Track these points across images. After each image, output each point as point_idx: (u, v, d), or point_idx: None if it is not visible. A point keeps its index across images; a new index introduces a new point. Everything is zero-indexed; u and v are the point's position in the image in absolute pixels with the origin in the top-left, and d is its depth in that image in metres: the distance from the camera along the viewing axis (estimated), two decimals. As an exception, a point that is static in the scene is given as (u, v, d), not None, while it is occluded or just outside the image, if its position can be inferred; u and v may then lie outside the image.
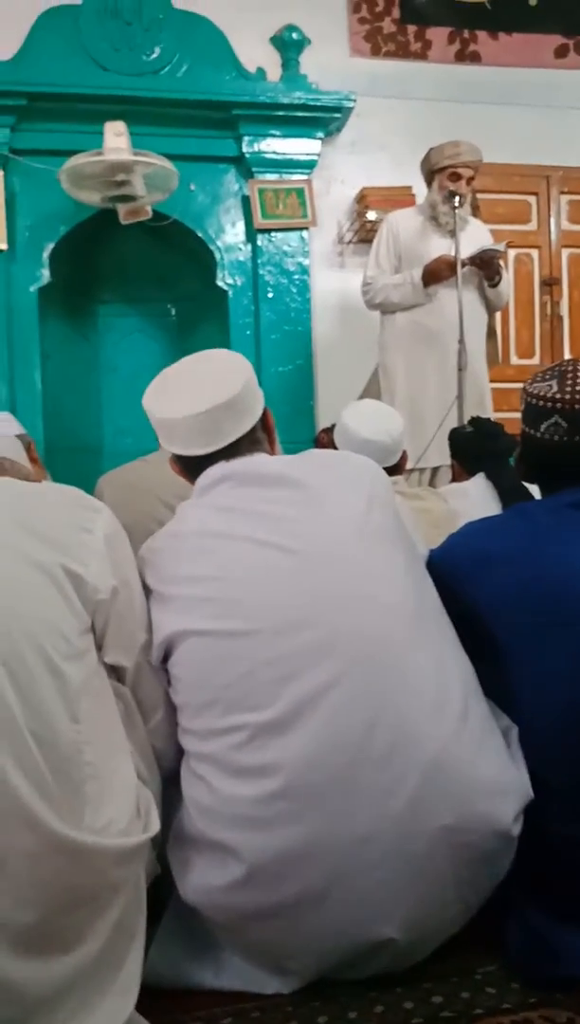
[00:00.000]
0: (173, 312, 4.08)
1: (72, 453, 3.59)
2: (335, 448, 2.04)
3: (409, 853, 1.07)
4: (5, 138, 3.30)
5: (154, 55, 3.43)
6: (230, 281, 3.58)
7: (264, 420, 1.35)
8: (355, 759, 1.07)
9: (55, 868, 1.00)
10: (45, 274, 3.41)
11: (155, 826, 1.11)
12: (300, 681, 1.09)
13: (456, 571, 1.29)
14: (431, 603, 1.23)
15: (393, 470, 1.94)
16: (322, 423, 3.56)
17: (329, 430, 3.38)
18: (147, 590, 1.25)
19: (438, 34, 3.78)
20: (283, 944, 1.12)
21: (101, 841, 1.03)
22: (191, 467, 1.34)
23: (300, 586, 1.15)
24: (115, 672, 1.21)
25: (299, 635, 1.11)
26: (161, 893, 1.19)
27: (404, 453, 2.06)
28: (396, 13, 3.73)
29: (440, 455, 2.81)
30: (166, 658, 1.21)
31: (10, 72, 3.30)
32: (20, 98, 3.26)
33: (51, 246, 3.41)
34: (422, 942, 1.13)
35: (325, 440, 3.44)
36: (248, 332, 3.59)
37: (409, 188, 3.47)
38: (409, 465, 2.36)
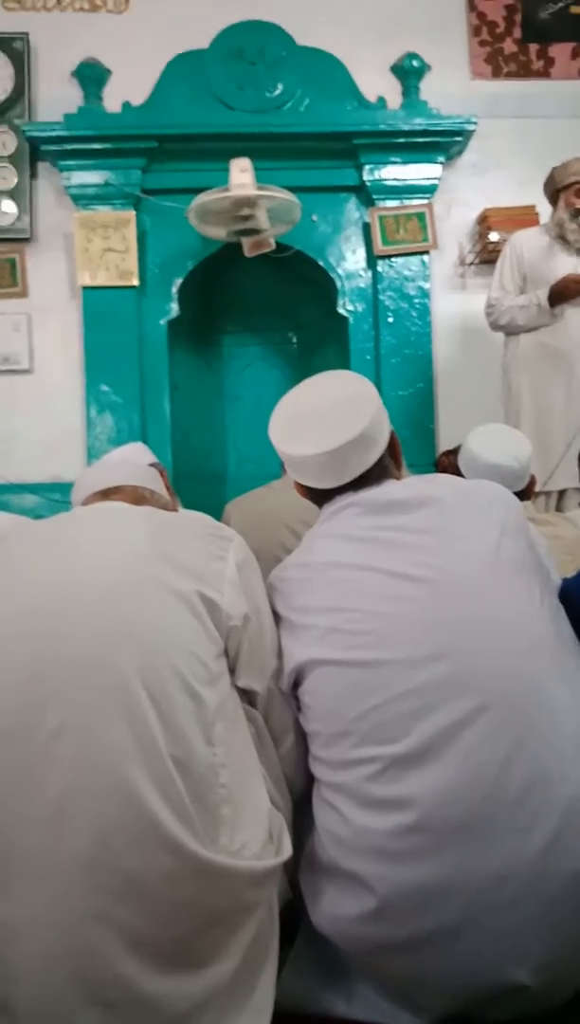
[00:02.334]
0: (294, 340, 4.16)
1: (198, 480, 3.71)
2: (457, 471, 2.02)
3: (545, 895, 1.03)
4: (137, 179, 3.47)
5: (277, 92, 3.53)
6: (351, 308, 3.62)
7: (390, 444, 1.35)
8: (491, 796, 1.05)
9: (192, 889, 1.02)
10: (174, 308, 3.54)
11: (287, 851, 1.12)
12: (435, 715, 1.08)
13: (592, 602, 1.25)
14: (568, 636, 1.20)
15: (521, 495, 1.90)
16: (443, 446, 3.53)
17: (450, 453, 3.35)
18: (277, 617, 1.27)
19: (561, 51, 3.71)
20: (414, 980, 1.11)
21: (236, 863, 1.04)
22: (319, 496, 1.35)
23: (432, 618, 1.14)
24: (246, 696, 1.24)
25: (433, 668, 1.10)
26: (293, 918, 1.20)
27: (532, 477, 2.01)
28: (518, 33, 3.70)
29: (568, 478, 2.74)
30: (296, 685, 1.23)
31: (141, 117, 3.47)
32: (151, 141, 3.42)
33: (179, 281, 3.54)
34: (557, 987, 1.09)
35: (446, 463, 3.41)
36: (368, 357, 3.61)
37: (532, 207, 3.41)
38: (536, 488, 2.31)
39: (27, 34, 3.49)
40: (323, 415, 1.30)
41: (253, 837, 1.09)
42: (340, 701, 1.15)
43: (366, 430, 1.27)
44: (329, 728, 1.16)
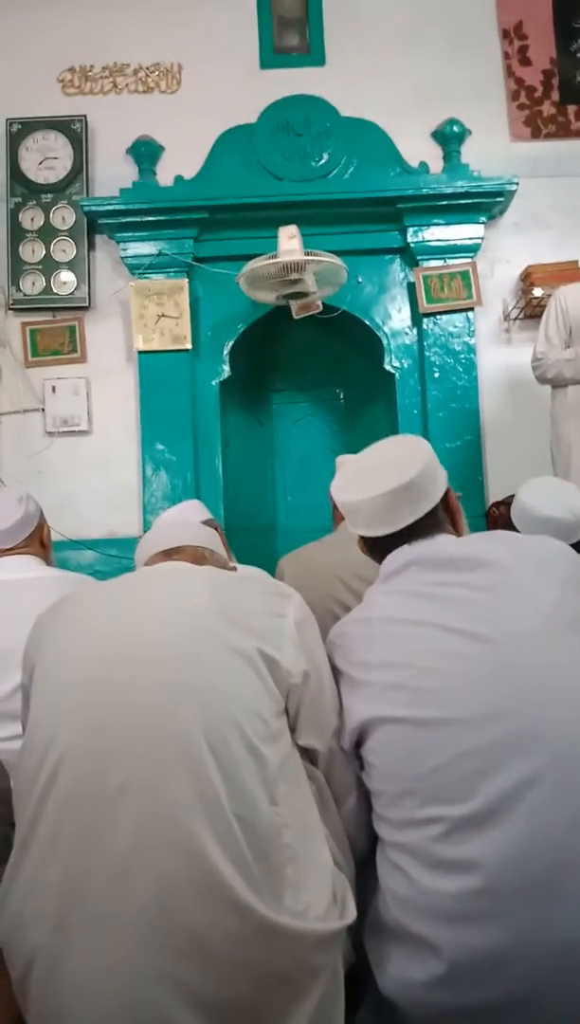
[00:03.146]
0: (341, 396, 4.23)
1: (249, 533, 3.75)
2: (508, 522, 2.02)
3: None
4: (189, 248, 3.60)
5: (323, 161, 3.65)
6: (397, 364, 3.68)
7: (447, 501, 1.38)
8: (558, 860, 1.03)
9: (256, 949, 1.01)
10: (225, 369, 3.64)
11: (352, 913, 1.11)
12: (499, 775, 1.07)
13: None
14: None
15: (577, 547, 1.89)
16: (492, 497, 3.52)
17: (501, 504, 3.34)
18: (337, 673, 1.28)
19: (599, 110, 3.79)
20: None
21: (301, 925, 1.04)
22: (376, 548, 1.38)
23: (494, 676, 1.14)
24: (307, 755, 1.24)
25: (496, 727, 1.10)
26: (358, 981, 1.19)
27: (586, 531, 2.00)
28: (556, 96, 3.79)
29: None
30: (359, 744, 1.23)
31: (193, 190, 3.62)
32: (202, 212, 3.56)
33: (230, 343, 3.64)
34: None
35: (496, 514, 3.40)
36: (415, 411, 3.65)
37: (575, 263, 3.45)
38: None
39: (85, 116, 3.69)
40: (378, 468, 1.37)
41: (317, 898, 1.08)
42: (403, 760, 1.15)
43: (415, 479, 1.31)
44: (392, 787, 1.16)
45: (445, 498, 1.37)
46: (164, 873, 1.00)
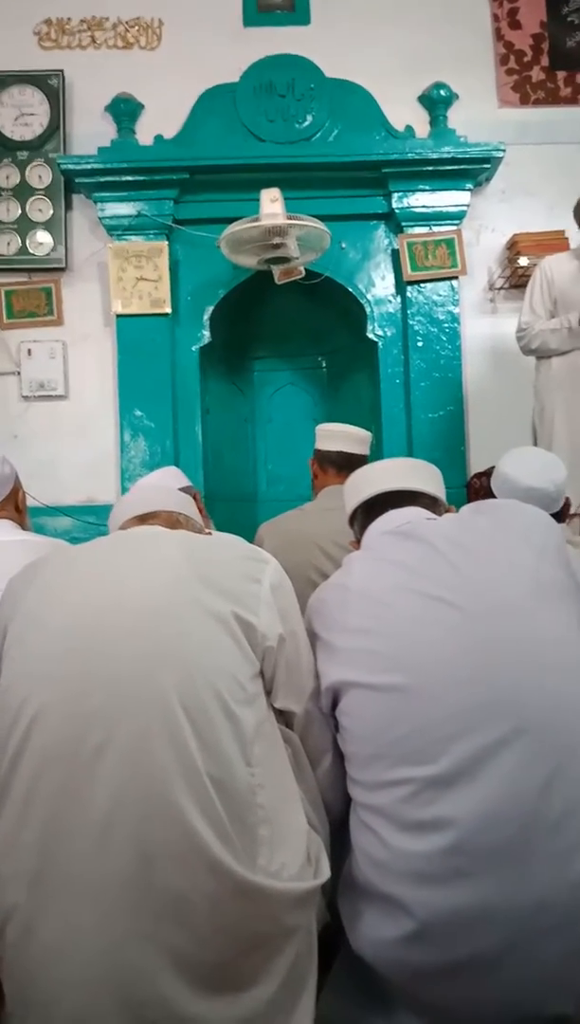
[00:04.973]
0: (324, 365, 4.19)
1: (229, 501, 3.73)
2: (489, 492, 2.02)
3: None
4: (169, 210, 3.53)
5: (307, 123, 3.59)
6: (380, 332, 3.64)
7: (444, 508, 1.48)
8: (529, 822, 1.04)
9: (233, 910, 1.02)
10: (205, 335, 3.59)
11: (325, 872, 1.13)
12: (469, 738, 1.08)
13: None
14: (608, 660, 1.19)
15: (556, 518, 1.89)
16: (474, 468, 3.52)
17: (482, 475, 3.34)
18: (314, 637, 1.28)
19: (589, 77, 3.74)
20: (453, 1007, 1.10)
21: (275, 884, 1.05)
22: (369, 513, 1.42)
23: (468, 642, 1.14)
24: (283, 718, 1.25)
25: (467, 692, 1.10)
26: (331, 941, 1.20)
27: (567, 500, 2.01)
28: (545, 61, 3.73)
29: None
30: (334, 706, 1.23)
31: (173, 149, 3.54)
32: (182, 172, 3.48)
33: (211, 308, 3.59)
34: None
35: (477, 484, 3.40)
36: (398, 381, 3.63)
37: (561, 232, 3.42)
38: (571, 511, 2.30)
39: (62, 71, 3.59)
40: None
41: (291, 858, 1.09)
42: (376, 723, 1.15)
43: (432, 467, 1.52)
44: (364, 750, 1.17)
45: (445, 509, 1.47)
46: (143, 834, 1.01)
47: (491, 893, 1.04)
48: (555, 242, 3.38)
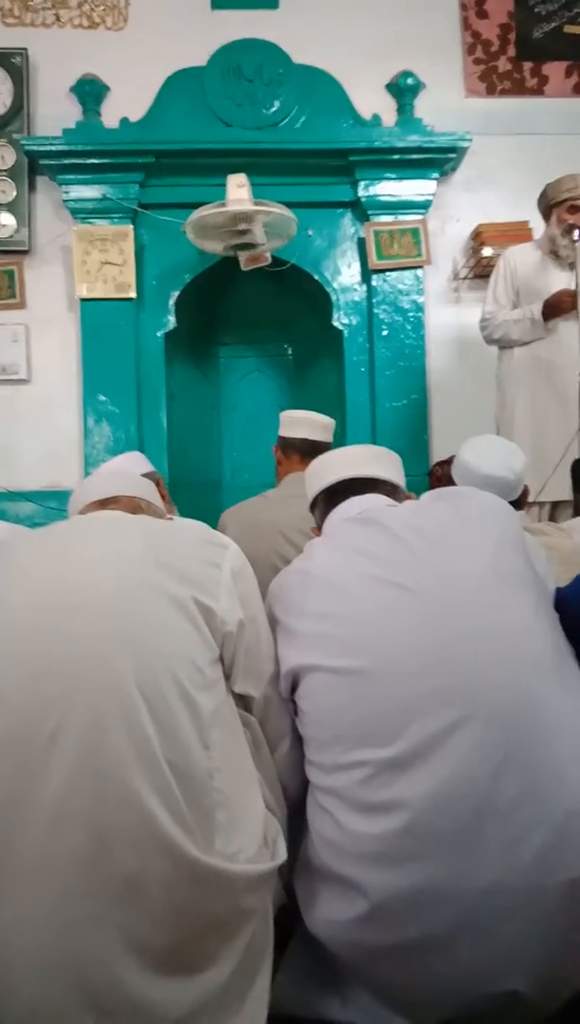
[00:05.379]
0: (290, 352, 4.19)
1: (194, 489, 3.72)
2: (451, 481, 2.04)
3: (539, 905, 1.04)
4: (134, 194, 3.49)
5: (274, 108, 3.57)
6: (345, 321, 3.65)
7: (404, 496, 1.49)
8: (481, 807, 1.05)
9: (189, 893, 1.02)
10: (171, 320, 3.57)
11: (282, 855, 1.13)
12: (425, 721, 1.09)
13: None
14: (564, 646, 1.21)
15: (515, 505, 1.91)
16: (436, 456, 3.55)
17: (444, 463, 3.36)
18: (275, 622, 1.29)
19: (555, 68, 3.76)
20: (407, 987, 1.11)
21: (231, 867, 1.05)
22: (330, 500, 1.43)
23: (427, 628, 1.15)
24: (242, 702, 1.25)
25: (426, 677, 1.11)
26: (288, 922, 1.21)
27: (526, 488, 2.03)
28: (512, 51, 3.75)
29: (561, 489, 2.75)
30: (293, 690, 1.24)
31: (139, 132, 3.50)
32: (148, 156, 3.45)
33: (176, 294, 3.57)
34: (549, 997, 1.09)
35: (439, 473, 3.42)
36: (362, 369, 3.64)
37: (525, 223, 3.45)
38: (529, 499, 2.33)
39: (26, 50, 3.53)
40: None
41: (248, 841, 1.10)
42: (334, 706, 1.16)
43: (393, 455, 1.52)
44: (322, 733, 1.18)
45: (405, 496, 1.48)
46: (97, 818, 1.00)
47: (442, 875, 1.05)
48: (519, 233, 3.41)
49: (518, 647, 1.15)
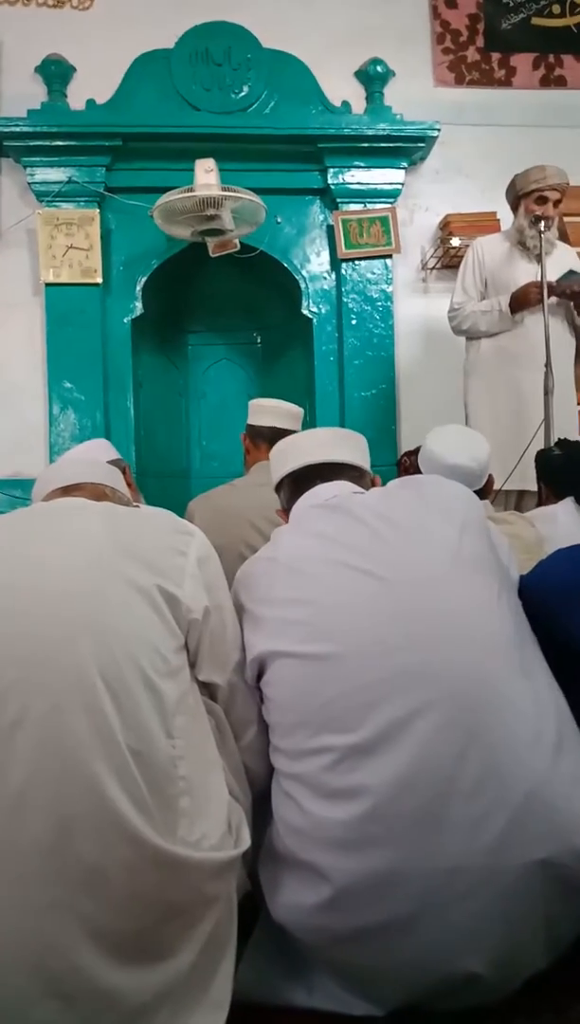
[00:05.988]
0: (258, 340, 4.17)
1: (161, 477, 3.70)
2: (418, 471, 2.05)
3: (499, 887, 1.05)
4: (101, 177, 3.45)
5: (243, 93, 3.54)
6: (314, 309, 3.64)
7: (371, 482, 1.50)
8: (444, 790, 1.06)
9: (151, 880, 1.02)
10: (138, 306, 3.53)
11: (246, 842, 1.13)
12: (389, 706, 1.09)
13: (548, 599, 1.28)
14: (525, 632, 1.22)
15: (479, 494, 1.93)
16: (405, 446, 3.56)
17: (411, 453, 3.38)
18: (241, 609, 1.29)
19: (523, 60, 3.78)
20: (371, 969, 1.12)
21: (194, 854, 1.05)
22: (297, 486, 1.43)
23: (392, 613, 1.15)
24: (207, 690, 1.25)
25: (390, 662, 1.12)
26: (252, 910, 1.21)
27: (490, 477, 2.05)
28: (480, 42, 3.76)
29: (525, 479, 2.78)
30: (259, 677, 1.24)
31: (106, 115, 3.45)
32: (115, 139, 3.40)
33: (143, 279, 3.53)
34: (509, 977, 1.11)
35: (407, 463, 3.44)
36: (331, 358, 3.64)
37: (494, 214, 3.47)
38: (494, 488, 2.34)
39: (-10, 27, 3.46)
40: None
41: (212, 829, 1.10)
42: (298, 693, 1.16)
43: (358, 437, 1.53)
44: (287, 719, 1.18)
45: (371, 479, 1.50)
46: (59, 805, 1.00)
47: (405, 859, 1.06)
48: (487, 223, 3.43)
49: (480, 631, 1.16)
